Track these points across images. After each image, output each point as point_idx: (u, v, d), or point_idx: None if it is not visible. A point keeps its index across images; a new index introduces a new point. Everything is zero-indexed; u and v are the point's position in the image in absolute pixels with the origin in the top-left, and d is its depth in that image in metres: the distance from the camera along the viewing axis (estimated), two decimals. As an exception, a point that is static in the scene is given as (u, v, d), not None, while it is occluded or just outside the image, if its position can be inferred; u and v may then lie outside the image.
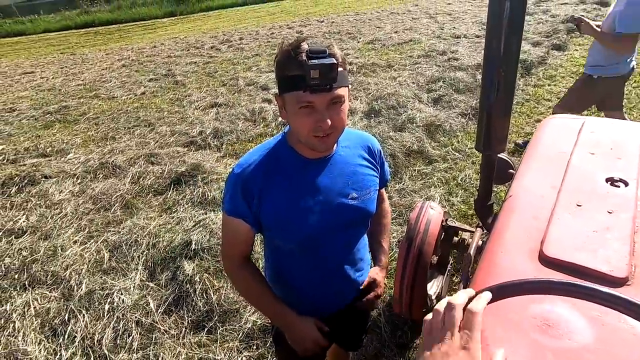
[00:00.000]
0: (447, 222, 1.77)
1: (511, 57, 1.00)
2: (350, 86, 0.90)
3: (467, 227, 1.74)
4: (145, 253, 2.40)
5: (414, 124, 3.64)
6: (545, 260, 0.77)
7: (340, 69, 0.79)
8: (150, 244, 2.47)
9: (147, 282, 2.19)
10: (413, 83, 4.81)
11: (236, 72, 6.33)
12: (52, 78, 7.53)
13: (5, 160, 4.06)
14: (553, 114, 2.61)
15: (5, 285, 2.29)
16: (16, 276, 2.34)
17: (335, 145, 0.94)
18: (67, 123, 5.05)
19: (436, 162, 3.18)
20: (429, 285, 1.98)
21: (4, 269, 2.43)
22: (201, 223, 2.56)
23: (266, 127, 4.20)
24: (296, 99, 0.79)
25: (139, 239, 2.51)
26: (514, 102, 4.10)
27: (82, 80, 7.05)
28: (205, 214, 2.72)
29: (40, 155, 4.10)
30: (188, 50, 8.57)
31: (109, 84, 6.57)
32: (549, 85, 4.51)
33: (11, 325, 1.99)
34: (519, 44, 0.99)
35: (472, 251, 1.48)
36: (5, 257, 2.55)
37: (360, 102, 4.43)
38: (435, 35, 7.12)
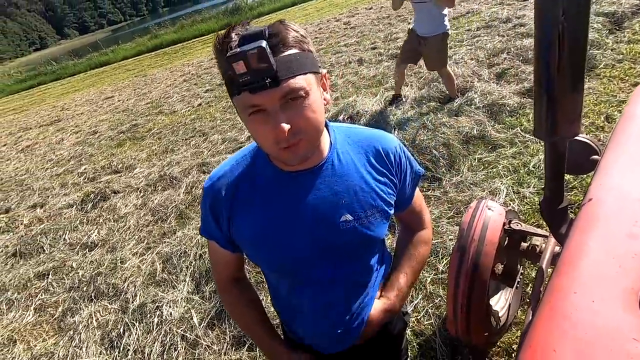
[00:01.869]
0: (511, 225, 1.43)
1: (576, 2, 0.69)
2: (324, 72, 0.67)
3: (538, 231, 1.39)
4: (192, 264, 2.43)
5: (473, 106, 3.19)
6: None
7: (290, 51, 0.59)
8: (198, 254, 2.49)
9: (192, 296, 2.19)
10: (471, 59, 4.27)
11: (284, 72, 6.31)
12: (127, 100, 8.32)
13: (86, 179, 4.53)
14: None
15: (77, 297, 2.49)
16: (85, 288, 2.53)
17: (328, 150, 0.73)
18: (135, 140, 5.50)
19: (501, 147, 2.73)
20: (494, 299, 1.66)
21: (77, 281, 2.65)
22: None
23: (312, 125, 4.06)
24: (241, 105, 0.60)
25: (187, 250, 2.55)
26: (602, 65, 3.39)
27: (150, 99, 7.66)
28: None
29: (113, 172, 4.49)
30: (240, 57, 8.84)
31: (171, 99, 7.04)
32: (649, 38, 3.65)
33: (77, 337, 2.14)
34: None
35: (544, 264, 1.15)
36: (79, 269, 2.79)
37: (410, 88, 4.06)
38: (497, 2, 6.32)
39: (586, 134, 2.60)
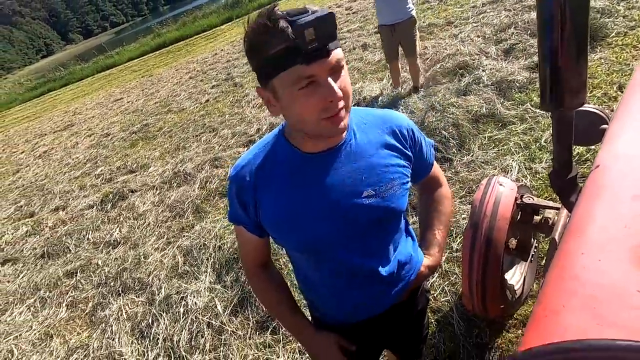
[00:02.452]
0: (523, 199, 1.44)
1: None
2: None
3: (550, 204, 1.40)
4: (212, 255, 2.51)
5: (481, 84, 3.16)
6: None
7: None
8: (217, 246, 2.57)
9: (214, 285, 2.27)
10: (478, 37, 4.20)
11: (288, 63, 6.31)
12: (136, 100, 8.44)
13: (103, 180, 4.66)
14: None
15: (105, 292, 2.60)
16: (112, 284, 2.64)
17: (345, 132, 0.77)
18: (147, 139, 5.60)
19: (512, 124, 2.71)
20: (509, 274, 1.68)
21: (104, 278, 2.76)
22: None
23: (320, 114, 4.08)
24: (292, 80, 0.62)
25: (206, 242, 2.63)
26: (613, 33, 3.30)
27: (158, 98, 7.76)
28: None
29: (128, 172, 4.61)
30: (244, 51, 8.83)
31: (179, 97, 7.11)
32: (663, 3, 3.53)
33: (109, 329, 2.25)
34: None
35: (556, 235, 1.17)
36: (105, 266, 2.90)
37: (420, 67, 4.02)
38: (502, -24, 6.14)
39: (598, 105, 2.57)
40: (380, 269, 0.83)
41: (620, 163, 0.71)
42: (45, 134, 8.69)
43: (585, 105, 1.21)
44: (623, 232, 0.59)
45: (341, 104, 0.66)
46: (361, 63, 5.05)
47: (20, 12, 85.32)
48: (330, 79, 0.63)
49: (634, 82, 1.01)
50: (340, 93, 0.64)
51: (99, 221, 3.60)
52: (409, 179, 0.84)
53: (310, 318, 0.98)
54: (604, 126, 1.16)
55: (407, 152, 0.83)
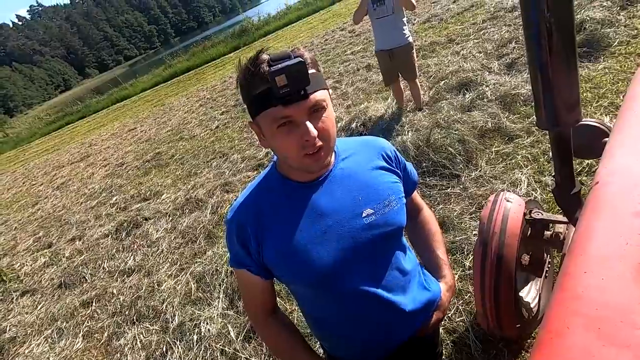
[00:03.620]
0: (532, 214, 1.43)
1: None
2: (330, 92, 0.75)
3: (559, 218, 1.38)
4: (225, 281, 2.52)
5: (485, 99, 3.18)
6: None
7: (311, 70, 0.68)
8: (229, 271, 2.58)
9: (227, 311, 2.27)
10: (479, 53, 4.26)
11: (295, 87, 6.45)
12: (149, 130, 8.70)
13: (118, 209, 4.76)
14: None
15: (120, 321, 2.62)
16: (127, 312, 2.66)
17: (333, 158, 0.81)
18: (160, 167, 5.74)
19: (518, 137, 2.70)
20: (524, 291, 1.64)
21: (119, 306, 2.79)
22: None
23: (327, 135, 4.13)
24: (271, 119, 0.68)
25: (218, 268, 2.65)
26: (615, 43, 3.31)
27: (170, 126, 7.98)
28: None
29: (142, 200, 4.70)
30: (251, 77, 9.08)
31: (190, 125, 7.31)
32: (664, 10, 3.54)
33: (124, 359, 2.25)
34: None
35: (566, 250, 1.15)
36: (120, 295, 2.93)
37: (421, 88, 4.07)
38: (500, -8, 6.26)
39: (606, 115, 2.55)
40: (390, 294, 0.81)
41: (619, 179, 0.72)
42: (63, 166, 8.98)
43: (585, 119, 1.21)
44: (625, 249, 0.59)
45: (319, 142, 0.70)
46: (365, 84, 5.14)
47: (41, 52, 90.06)
48: (307, 121, 0.68)
49: (631, 93, 1.01)
50: (314, 133, 0.68)
51: (114, 250, 3.66)
52: (404, 195, 0.86)
53: (322, 353, 0.97)
54: (606, 139, 1.16)
55: (396, 170, 0.87)
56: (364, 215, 0.77)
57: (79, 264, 3.64)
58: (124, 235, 3.88)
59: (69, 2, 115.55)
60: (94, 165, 7.66)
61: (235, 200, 0.84)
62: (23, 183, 9.20)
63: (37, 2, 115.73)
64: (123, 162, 6.87)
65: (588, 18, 3.65)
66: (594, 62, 3.21)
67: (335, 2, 16.57)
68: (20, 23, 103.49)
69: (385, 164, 0.84)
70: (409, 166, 0.94)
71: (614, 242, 0.60)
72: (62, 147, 12.37)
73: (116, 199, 5.06)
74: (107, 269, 3.41)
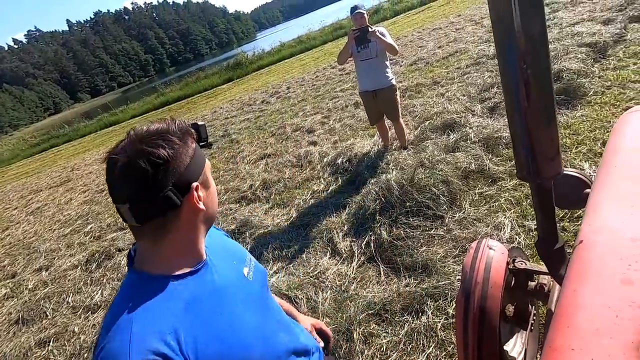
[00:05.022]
0: (515, 264, 1.38)
1: (536, 45, 0.71)
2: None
3: (543, 269, 1.33)
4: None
5: (468, 141, 3.23)
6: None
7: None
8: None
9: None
10: (463, 96, 4.39)
11: (284, 120, 6.52)
12: (134, 156, 8.57)
13: (92, 238, 4.55)
14: None
15: (77, 365, 2.39)
16: (85, 355, 2.44)
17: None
18: (141, 195, 5.58)
19: (501, 179, 2.71)
20: (509, 344, 1.56)
21: (78, 347, 2.57)
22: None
23: (312, 170, 4.11)
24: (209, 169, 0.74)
25: (190, 307, 2.48)
26: (591, 92, 3.45)
27: (156, 154, 7.88)
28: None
29: (118, 229, 4.51)
30: (242, 108, 9.18)
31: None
32: (635, 64, 3.74)
33: (75, 411, 2.03)
34: (542, 22, 0.71)
35: (552, 305, 1.10)
36: (81, 334, 2.71)
37: (406, 127, 4.14)
38: (483, 40, 6.62)
39: (585, 160, 2.59)
40: (303, 341, 0.87)
41: (604, 238, 0.68)
42: (41, 190, 8.69)
43: (566, 169, 1.20)
44: (615, 323, 0.53)
45: None
46: (353, 120, 5.22)
47: (34, 75, 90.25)
48: None
49: (611, 147, 1.00)
50: None
51: (82, 282, 3.44)
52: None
53: None
54: (587, 190, 1.15)
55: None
56: (245, 274, 0.80)
57: (41, 297, 3.40)
58: (94, 266, 3.67)
59: (67, 28, 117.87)
60: (73, 191, 7.43)
61: (131, 339, 0.59)
62: (-4, 206, 8.82)
63: (35, 27, 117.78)
64: (104, 189, 6.67)
65: (565, 68, 3.83)
66: (572, 110, 3.33)
67: (328, 41, 17.30)
68: (16, 46, 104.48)
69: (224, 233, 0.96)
70: None
71: (602, 315, 0.54)
72: (43, 170, 12.06)
73: (91, 227, 4.85)
74: (72, 304, 3.18)
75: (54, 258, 4.27)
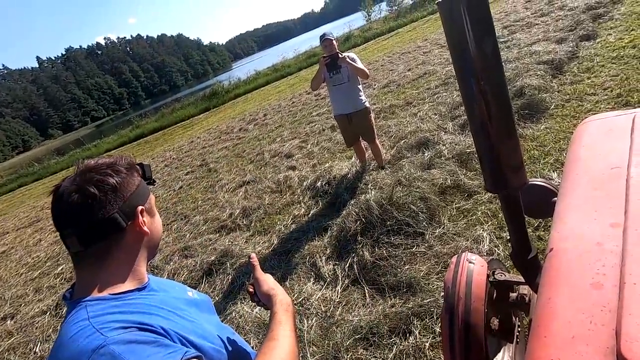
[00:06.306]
0: (495, 276, 1.39)
1: (490, 62, 0.75)
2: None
3: (521, 280, 1.35)
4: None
5: (443, 157, 3.32)
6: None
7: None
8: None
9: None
10: (435, 114, 4.55)
11: (262, 147, 6.53)
12: (108, 191, 8.30)
13: (63, 280, 4.29)
14: None
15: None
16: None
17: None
18: (116, 231, 5.36)
19: (477, 193, 2.78)
20: (498, 358, 1.54)
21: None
22: (228, 317, 2.36)
23: (292, 194, 4.09)
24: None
25: (169, 347, 2.35)
26: (552, 106, 3.65)
27: (131, 187, 7.67)
28: (234, 305, 2.52)
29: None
30: (219, 137, 9.16)
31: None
32: (588, 78, 4.00)
33: None
34: (494, 42, 0.75)
35: (532, 315, 1.10)
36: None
37: (382, 147, 4.22)
38: (449, 62, 6.94)
39: (553, 170, 2.70)
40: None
41: (573, 245, 0.69)
42: (7, 232, 8.23)
43: (532, 179, 1.24)
44: (590, 329, 0.53)
45: None
46: (330, 143, 5.28)
47: (1, 113, 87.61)
48: None
49: (572, 155, 1.05)
50: None
51: (51, 329, 3.22)
52: None
53: None
54: (555, 199, 1.18)
55: None
56: (190, 295, 0.84)
57: (5, 348, 3.14)
58: (64, 311, 3.44)
59: (37, 65, 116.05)
60: (42, 231, 7.07)
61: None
62: (-43, 253, 8.25)
63: (2, 65, 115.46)
64: (76, 227, 6.39)
65: (527, 84, 4.05)
66: (536, 123, 3.50)
67: (302, 68, 17.73)
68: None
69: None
70: None
71: (577, 321, 0.55)
72: (9, 211, 11.47)
73: (62, 269, 4.59)
74: (39, 354, 2.95)
75: (20, 305, 3.99)
